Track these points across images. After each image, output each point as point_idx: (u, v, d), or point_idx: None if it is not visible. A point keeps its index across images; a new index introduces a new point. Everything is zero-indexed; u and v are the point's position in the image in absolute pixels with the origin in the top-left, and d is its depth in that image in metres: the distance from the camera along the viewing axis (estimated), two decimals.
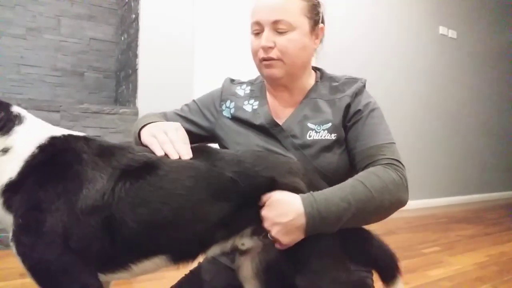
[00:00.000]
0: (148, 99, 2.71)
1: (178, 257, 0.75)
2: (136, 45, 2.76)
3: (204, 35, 2.98)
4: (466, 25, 4.92)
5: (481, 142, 5.15)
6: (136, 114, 2.64)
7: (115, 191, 0.68)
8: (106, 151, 0.73)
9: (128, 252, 0.71)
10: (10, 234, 0.66)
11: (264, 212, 0.76)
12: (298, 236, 0.76)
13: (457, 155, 4.81)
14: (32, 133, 0.72)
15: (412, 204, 4.15)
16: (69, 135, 0.75)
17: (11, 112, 0.73)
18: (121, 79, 3.22)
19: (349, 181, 0.83)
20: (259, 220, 0.77)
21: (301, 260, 0.77)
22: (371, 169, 0.86)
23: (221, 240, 0.78)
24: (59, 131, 0.76)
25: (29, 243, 0.64)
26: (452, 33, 4.72)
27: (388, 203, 0.82)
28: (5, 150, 0.69)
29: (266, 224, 0.76)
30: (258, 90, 1.05)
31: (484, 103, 5.22)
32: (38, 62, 3.14)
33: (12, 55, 3.02)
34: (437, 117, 4.56)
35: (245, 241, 0.80)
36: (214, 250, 0.79)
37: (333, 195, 0.78)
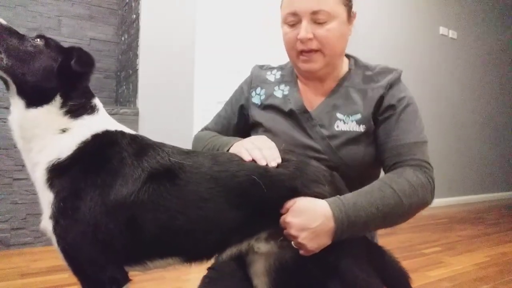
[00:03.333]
0: (148, 99, 2.71)
1: (192, 258, 0.79)
2: (137, 45, 2.76)
3: (205, 36, 2.98)
4: (466, 25, 4.92)
5: (481, 142, 5.14)
6: (137, 114, 2.64)
7: (140, 193, 0.71)
8: (142, 151, 0.77)
9: (145, 250, 0.74)
10: (48, 212, 0.71)
11: (290, 219, 0.74)
12: (326, 241, 0.74)
13: (457, 155, 4.80)
14: (93, 123, 0.78)
15: None
16: (120, 131, 0.81)
17: (90, 102, 0.80)
18: (122, 79, 3.22)
19: (377, 184, 0.81)
20: (275, 224, 0.76)
21: (332, 266, 0.76)
22: (400, 170, 0.84)
23: (235, 243, 0.79)
24: (115, 126, 0.82)
25: (65, 226, 0.69)
26: (452, 33, 4.72)
27: (415, 206, 0.80)
28: (64, 130, 0.75)
29: (292, 231, 0.73)
30: (288, 75, 1.02)
31: (484, 103, 5.22)
32: None
33: None
34: (436, 117, 4.56)
35: (261, 246, 0.80)
36: (229, 252, 0.80)
37: (361, 199, 0.76)
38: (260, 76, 1.05)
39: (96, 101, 0.82)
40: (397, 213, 0.78)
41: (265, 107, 1.00)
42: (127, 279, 0.74)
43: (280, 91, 0.99)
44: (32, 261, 2.03)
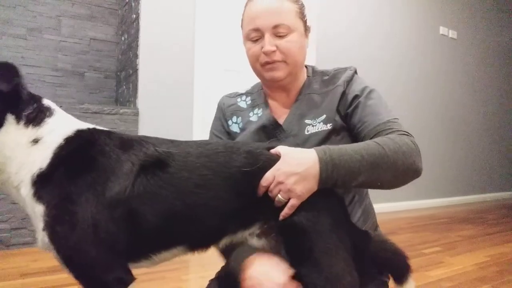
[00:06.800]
0: (148, 99, 2.71)
1: (194, 246, 0.79)
2: (137, 45, 2.76)
3: (204, 35, 2.98)
4: (466, 25, 4.92)
5: (481, 142, 5.15)
6: (137, 114, 2.64)
7: (135, 186, 0.71)
8: (126, 144, 0.76)
9: (149, 243, 0.74)
10: (41, 224, 0.69)
11: (279, 165, 0.76)
12: (313, 186, 0.76)
13: (457, 155, 4.80)
14: (60, 125, 0.76)
15: (413, 204, 4.14)
16: (94, 129, 0.79)
17: (43, 104, 0.77)
18: (122, 79, 3.22)
19: (362, 142, 0.84)
20: (267, 215, 0.78)
21: (305, 253, 0.76)
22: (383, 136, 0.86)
23: (231, 233, 0.80)
24: (85, 125, 0.79)
25: (63, 234, 0.67)
26: (452, 33, 4.72)
27: (402, 163, 0.80)
28: (36, 141, 0.73)
29: (281, 177, 0.75)
30: (258, 98, 1.08)
31: (485, 103, 5.22)
32: (39, 62, 3.15)
33: (12, 55, 3.02)
34: (437, 118, 4.56)
35: (254, 242, 0.81)
36: (225, 241, 0.81)
37: (346, 147, 0.80)
38: (232, 105, 1.10)
39: (47, 102, 0.78)
40: (383, 166, 0.79)
41: (242, 131, 1.05)
42: (132, 278, 0.72)
43: (256, 115, 1.05)
44: (32, 261, 2.03)
